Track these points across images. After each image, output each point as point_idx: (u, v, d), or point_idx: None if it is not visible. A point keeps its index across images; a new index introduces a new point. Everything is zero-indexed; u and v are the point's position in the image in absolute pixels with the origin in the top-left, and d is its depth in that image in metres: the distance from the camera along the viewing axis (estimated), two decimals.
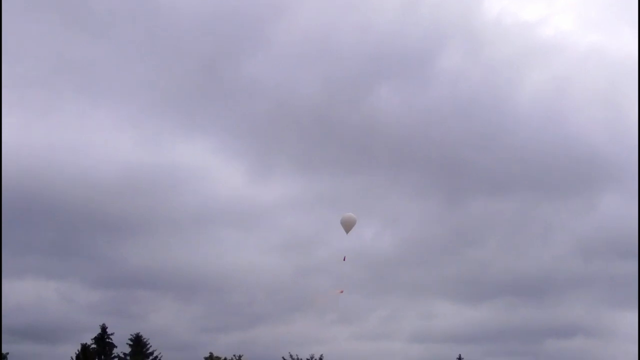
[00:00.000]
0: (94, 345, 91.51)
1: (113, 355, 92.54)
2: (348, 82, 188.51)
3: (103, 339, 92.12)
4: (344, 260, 79.18)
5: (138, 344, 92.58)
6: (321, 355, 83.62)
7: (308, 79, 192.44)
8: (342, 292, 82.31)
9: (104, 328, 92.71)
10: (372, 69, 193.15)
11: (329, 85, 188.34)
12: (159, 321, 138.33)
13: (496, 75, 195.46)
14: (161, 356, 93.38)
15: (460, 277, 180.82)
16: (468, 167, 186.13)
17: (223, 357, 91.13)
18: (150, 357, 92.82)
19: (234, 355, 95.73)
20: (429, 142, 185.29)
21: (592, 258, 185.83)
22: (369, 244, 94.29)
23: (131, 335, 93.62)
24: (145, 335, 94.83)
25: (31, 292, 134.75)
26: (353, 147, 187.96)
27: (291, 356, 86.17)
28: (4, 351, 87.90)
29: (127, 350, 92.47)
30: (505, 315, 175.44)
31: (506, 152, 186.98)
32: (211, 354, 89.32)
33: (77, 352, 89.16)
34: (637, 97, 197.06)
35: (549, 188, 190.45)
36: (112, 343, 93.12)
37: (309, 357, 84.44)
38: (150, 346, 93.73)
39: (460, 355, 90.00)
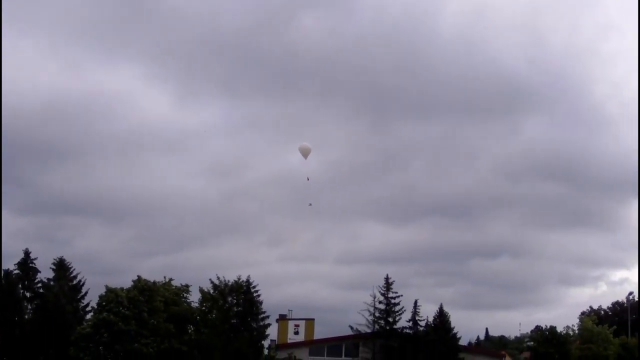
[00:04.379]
0: (17, 271, 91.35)
1: (37, 280, 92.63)
2: (272, 10, 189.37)
3: (26, 264, 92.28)
4: (308, 180, 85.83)
5: (61, 268, 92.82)
6: (248, 277, 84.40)
7: (233, 6, 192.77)
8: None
9: (27, 253, 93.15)
10: None
11: (253, 12, 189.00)
12: (86, 246, 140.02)
13: (419, 1, 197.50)
14: (85, 280, 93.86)
15: (387, 199, 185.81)
16: (393, 92, 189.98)
17: (152, 281, 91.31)
18: (74, 282, 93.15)
19: (164, 277, 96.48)
20: (354, 68, 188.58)
21: (516, 180, 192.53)
22: (296, 168, 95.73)
23: (54, 259, 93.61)
24: (71, 260, 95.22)
25: None
26: (278, 74, 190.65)
27: (218, 278, 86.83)
28: None
29: (51, 275, 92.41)
30: (431, 237, 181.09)
31: (430, 78, 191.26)
32: (139, 277, 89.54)
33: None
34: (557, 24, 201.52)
35: (473, 112, 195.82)
36: (35, 268, 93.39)
37: (236, 279, 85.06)
38: (74, 269, 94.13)
39: (387, 275, 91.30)
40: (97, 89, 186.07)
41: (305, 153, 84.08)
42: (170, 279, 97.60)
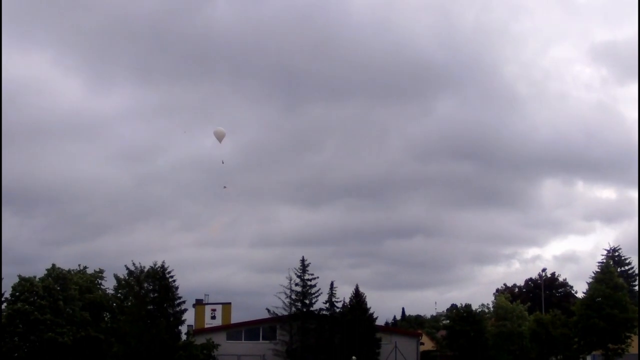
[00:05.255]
0: None
1: None
2: None
3: None
4: (223, 163, 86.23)
5: None
6: (163, 262, 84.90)
7: None
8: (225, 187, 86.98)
9: None
10: None
11: None
12: None
13: None
14: None
15: (300, 181, 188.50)
16: (304, 74, 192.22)
17: (67, 269, 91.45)
18: None
19: (79, 265, 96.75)
20: (266, 51, 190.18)
21: (428, 160, 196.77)
22: (209, 152, 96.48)
23: None
24: None
25: None
26: (191, 58, 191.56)
27: (134, 264, 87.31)
28: None
29: None
30: (345, 218, 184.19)
31: (341, 60, 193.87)
32: (53, 265, 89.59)
33: None
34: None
35: (385, 94, 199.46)
36: None
37: (151, 265, 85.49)
38: None
39: (303, 257, 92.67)
40: (6, 76, 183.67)
41: (219, 137, 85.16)
42: (85, 267, 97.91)
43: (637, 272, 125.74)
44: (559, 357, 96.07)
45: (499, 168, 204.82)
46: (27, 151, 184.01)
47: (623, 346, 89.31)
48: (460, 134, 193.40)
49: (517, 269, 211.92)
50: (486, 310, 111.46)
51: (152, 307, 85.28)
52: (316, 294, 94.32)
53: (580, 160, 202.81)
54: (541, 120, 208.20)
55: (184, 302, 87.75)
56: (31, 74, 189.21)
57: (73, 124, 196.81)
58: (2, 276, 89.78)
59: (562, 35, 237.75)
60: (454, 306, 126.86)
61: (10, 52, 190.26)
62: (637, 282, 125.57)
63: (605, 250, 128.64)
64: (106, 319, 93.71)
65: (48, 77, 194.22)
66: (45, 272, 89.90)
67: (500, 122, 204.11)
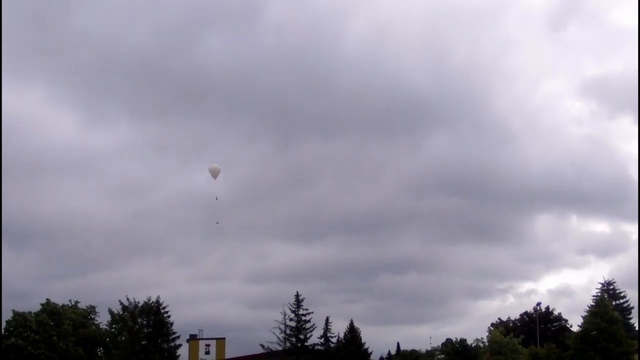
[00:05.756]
0: None
1: None
2: (177, 32, 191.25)
3: None
4: (217, 199, 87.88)
5: None
6: (158, 297, 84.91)
7: (137, 29, 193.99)
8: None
9: None
10: (200, 19, 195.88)
11: (158, 34, 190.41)
12: None
13: (322, 21, 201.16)
14: None
15: (294, 217, 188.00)
16: (298, 111, 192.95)
17: (60, 304, 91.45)
18: None
19: (70, 301, 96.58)
20: (259, 88, 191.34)
21: (422, 196, 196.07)
22: (203, 189, 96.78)
23: None
24: None
25: None
26: (183, 95, 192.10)
27: (128, 300, 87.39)
28: None
29: None
30: (339, 253, 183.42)
31: (334, 96, 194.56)
32: (48, 300, 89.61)
33: None
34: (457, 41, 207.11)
35: (377, 130, 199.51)
36: None
37: (146, 300, 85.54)
38: None
39: (297, 292, 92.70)
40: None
41: (214, 174, 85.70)
42: (77, 302, 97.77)
43: (631, 305, 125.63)
44: None
45: (493, 203, 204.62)
46: (21, 187, 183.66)
47: None
48: (453, 169, 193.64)
49: (512, 303, 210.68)
50: (481, 345, 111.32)
51: (146, 342, 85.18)
52: (310, 329, 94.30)
53: (574, 194, 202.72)
54: (533, 154, 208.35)
55: (178, 337, 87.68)
56: (25, 111, 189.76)
57: (67, 160, 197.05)
58: None
59: (553, 70, 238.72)
60: (449, 341, 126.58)
61: (5, 89, 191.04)
62: (631, 316, 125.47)
63: (600, 283, 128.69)
64: (100, 354, 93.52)
65: (42, 114, 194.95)
66: (40, 307, 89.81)
67: (493, 157, 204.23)
